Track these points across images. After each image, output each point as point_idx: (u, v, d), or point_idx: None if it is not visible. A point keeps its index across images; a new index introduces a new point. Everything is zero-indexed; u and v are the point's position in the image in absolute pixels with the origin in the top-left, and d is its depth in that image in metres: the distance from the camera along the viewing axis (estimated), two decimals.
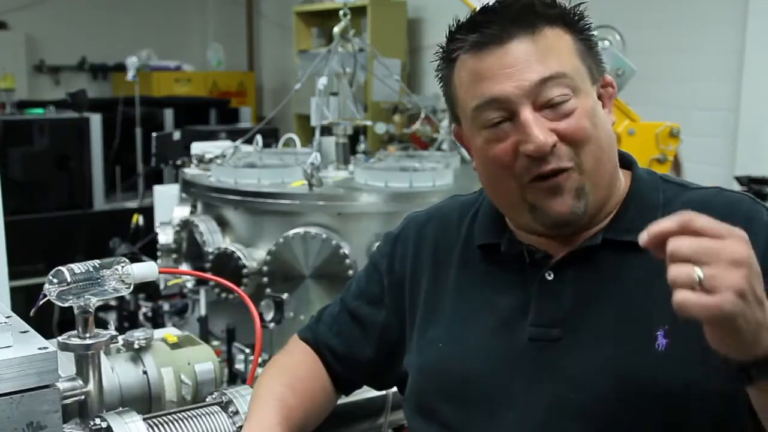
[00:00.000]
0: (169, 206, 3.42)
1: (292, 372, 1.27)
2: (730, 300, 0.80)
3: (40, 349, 0.97)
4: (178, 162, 3.83)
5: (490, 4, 1.11)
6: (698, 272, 0.80)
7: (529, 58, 1.06)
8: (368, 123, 3.77)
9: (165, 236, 3.22)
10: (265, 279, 2.86)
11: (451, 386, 1.15)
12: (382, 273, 1.31)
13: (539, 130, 1.05)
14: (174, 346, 1.29)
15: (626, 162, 1.19)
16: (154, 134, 4.83)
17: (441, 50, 1.15)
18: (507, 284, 1.16)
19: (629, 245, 1.08)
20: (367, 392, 1.40)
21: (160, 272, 1.18)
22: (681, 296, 0.80)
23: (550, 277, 1.12)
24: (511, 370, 1.10)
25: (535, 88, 1.06)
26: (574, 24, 1.11)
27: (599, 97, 1.13)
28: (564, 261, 1.12)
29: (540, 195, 1.08)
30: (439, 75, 1.17)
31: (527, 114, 1.06)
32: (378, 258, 1.34)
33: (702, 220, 0.83)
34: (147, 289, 3.56)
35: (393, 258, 1.30)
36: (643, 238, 0.85)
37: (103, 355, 1.13)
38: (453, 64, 1.13)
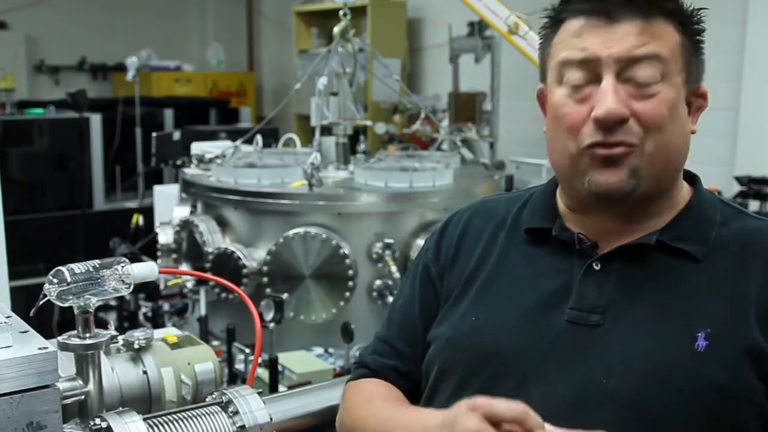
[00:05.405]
0: (169, 206, 3.42)
1: (373, 394, 1.27)
2: None
3: (40, 349, 0.97)
4: (178, 162, 3.84)
5: None
6: None
7: (631, 34, 1.08)
8: (368, 123, 3.77)
9: (165, 236, 3.22)
10: (265, 279, 2.86)
11: (480, 359, 1.15)
12: (430, 264, 1.30)
13: (614, 98, 1.06)
14: (174, 346, 1.29)
15: (691, 178, 1.21)
16: (154, 134, 4.83)
17: (551, 10, 1.16)
18: (551, 268, 1.17)
19: (680, 252, 1.10)
20: None
21: (160, 272, 1.18)
22: None
23: (597, 267, 1.13)
24: (545, 350, 1.11)
25: (627, 59, 1.07)
26: (687, 24, 1.14)
27: (688, 104, 1.15)
28: (613, 254, 1.13)
29: (594, 163, 1.09)
30: (542, 32, 1.18)
31: (609, 80, 1.07)
32: (423, 255, 1.34)
33: None
34: (147, 289, 3.56)
35: (439, 249, 1.30)
36: None
37: (103, 355, 1.12)
38: (559, 24, 1.15)
